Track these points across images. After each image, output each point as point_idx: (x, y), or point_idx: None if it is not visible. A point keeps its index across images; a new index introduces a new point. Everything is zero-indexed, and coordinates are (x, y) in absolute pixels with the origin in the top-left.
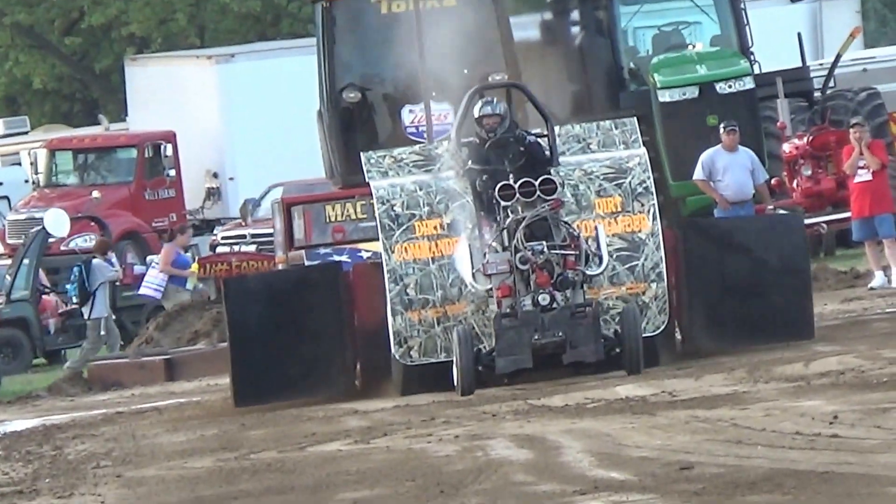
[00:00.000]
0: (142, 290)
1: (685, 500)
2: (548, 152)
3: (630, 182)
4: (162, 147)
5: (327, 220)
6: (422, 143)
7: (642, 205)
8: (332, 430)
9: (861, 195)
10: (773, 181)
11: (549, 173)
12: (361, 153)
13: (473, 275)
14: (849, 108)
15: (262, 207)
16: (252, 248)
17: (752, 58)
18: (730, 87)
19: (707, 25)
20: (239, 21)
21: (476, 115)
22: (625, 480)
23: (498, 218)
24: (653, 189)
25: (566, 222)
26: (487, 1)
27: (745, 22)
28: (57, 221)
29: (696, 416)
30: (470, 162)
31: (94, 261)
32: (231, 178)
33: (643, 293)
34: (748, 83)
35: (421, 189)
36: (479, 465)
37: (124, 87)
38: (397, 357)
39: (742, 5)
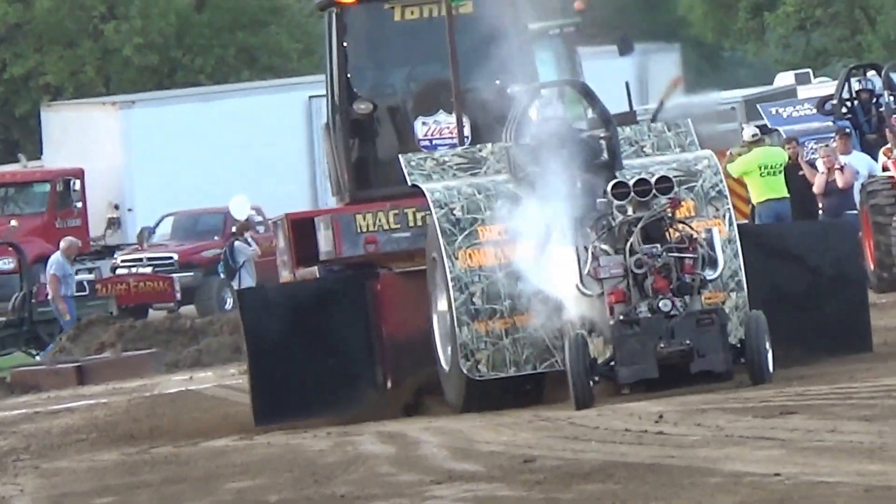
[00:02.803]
0: None
1: (528, 489)
2: (605, 155)
3: (702, 185)
4: (71, 182)
5: (358, 230)
6: (406, 158)
7: (717, 209)
8: (221, 427)
9: None
10: None
11: (616, 176)
12: (400, 155)
13: (581, 279)
14: None
15: (156, 234)
16: (148, 269)
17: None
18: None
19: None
20: (139, 72)
21: (534, 118)
22: (475, 471)
23: (610, 219)
24: (726, 192)
25: (683, 222)
26: (506, 9)
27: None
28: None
29: (539, 416)
30: (525, 164)
31: (236, 243)
32: (130, 209)
33: (723, 302)
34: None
35: (479, 192)
36: (348, 458)
37: (40, 130)
38: (464, 371)
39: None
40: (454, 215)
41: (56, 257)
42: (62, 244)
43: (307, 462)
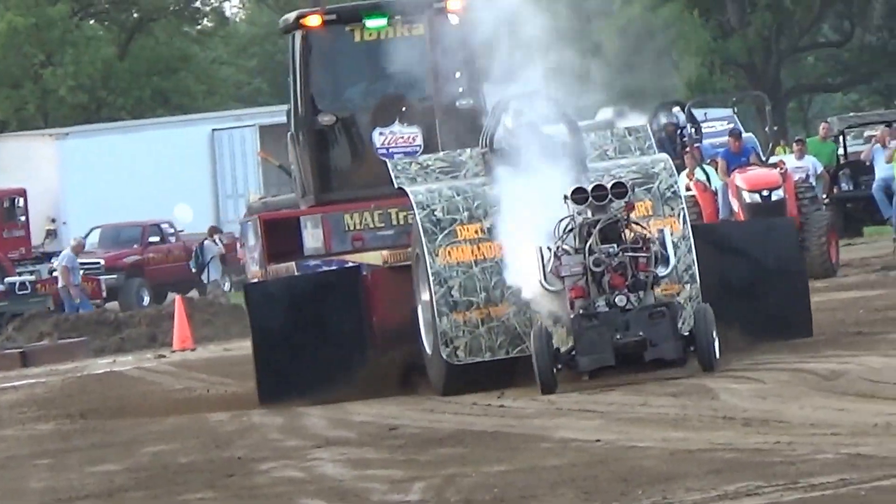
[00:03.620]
0: None
1: (391, 452)
2: (572, 159)
3: (658, 186)
4: (16, 200)
5: (346, 228)
6: (393, 162)
7: (672, 208)
8: (140, 402)
9: None
10: None
11: (579, 180)
12: (388, 161)
13: (545, 276)
14: None
15: (86, 243)
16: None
17: None
18: None
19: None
20: (72, 109)
21: (508, 126)
22: (349, 437)
23: (570, 220)
24: (681, 193)
25: (638, 223)
26: (453, 31)
27: None
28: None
29: (404, 391)
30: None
31: (206, 242)
32: (64, 222)
33: (678, 294)
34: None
35: (458, 195)
36: (244, 427)
37: None
38: (444, 357)
39: None
40: (435, 216)
41: (66, 252)
42: (72, 242)
43: (210, 430)
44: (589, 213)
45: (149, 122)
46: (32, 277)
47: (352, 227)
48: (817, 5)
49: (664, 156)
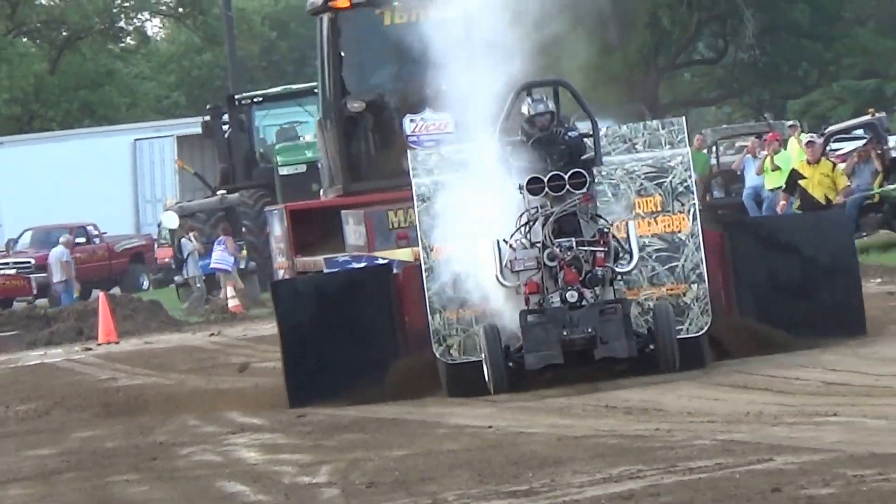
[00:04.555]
0: (215, 265)
1: (300, 438)
2: (591, 151)
3: (671, 181)
4: None
5: (391, 226)
6: (413, 153)
7: (682, 204)
8: (68, 390)
9: None
10: None
11: (591, 171)
12: (409, 151)
13: (501, 271)
14: None
15: (18, 244)
16: (12, 271)
17: None
18: None
19: (311, 124)
20: (5, 120)
21: (528, 114)
22: (261, 424)
23: (527, 213)
24: (694, 189)
25: (598, 216)
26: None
27: None
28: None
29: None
30: (512, 160)
31: (183, 240)
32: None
33: (684, 294)
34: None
35: (463, 187)
36: (165, 414)
37: None
38: (438, 355)
39: None
40: (434, 209)
41: (61, 249)
42: (62, 240)
43: (134, 417)
44: (549, 205)
45: (76, 132)
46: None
47: (396, 225)
48: (693, 25)
49: (685, 150)
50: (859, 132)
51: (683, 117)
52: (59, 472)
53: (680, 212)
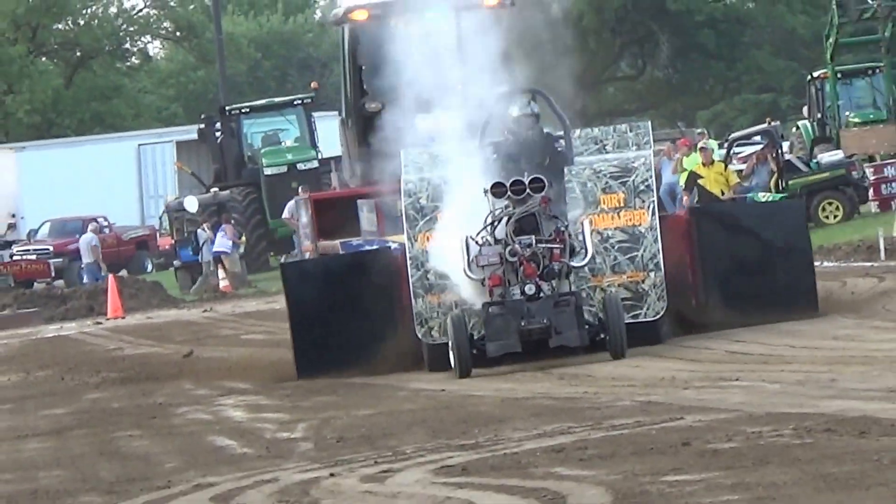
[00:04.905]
0: (217, 249)
1: (281, 399)
2: (560, 151)
3: (634, 180)
4: None
5: (399, 213)
6: (406, 152)
7: (643, 201)
8: (80, 358)
9: None
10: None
11: (562, 171)
12: (402, 150)
13: (468, 265)
14: None
15: (38, 233)
16: (34, 256)
17: (317, 150)
18: (304, 166)
19: (292, 131)
20: (28, 128)
21: (514, 115)
22: (246, 388)
23: (492, 213)
24: (653, 187)
25: (555, 217)
26: (492, 20)
27: (314, 129)
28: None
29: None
30: (494, 160)
31: (198, 230)
32: (22, 217)
33: (643, 281)
34: (315, 164)
35: (446, 183)
36: (163, 379)
37: None
38: (419, 336)
39: (312, 120)
40: (420, 203)
41: (91, 235)
42: (91, 227)
43: (138, 382)
44: (512, 207)
45: (89, 138)
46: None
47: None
48: (616, 47)
49: (647, 152)
50: (758, 138)
51: (649, 121)
52: (71, 428)
53: (640, 207)
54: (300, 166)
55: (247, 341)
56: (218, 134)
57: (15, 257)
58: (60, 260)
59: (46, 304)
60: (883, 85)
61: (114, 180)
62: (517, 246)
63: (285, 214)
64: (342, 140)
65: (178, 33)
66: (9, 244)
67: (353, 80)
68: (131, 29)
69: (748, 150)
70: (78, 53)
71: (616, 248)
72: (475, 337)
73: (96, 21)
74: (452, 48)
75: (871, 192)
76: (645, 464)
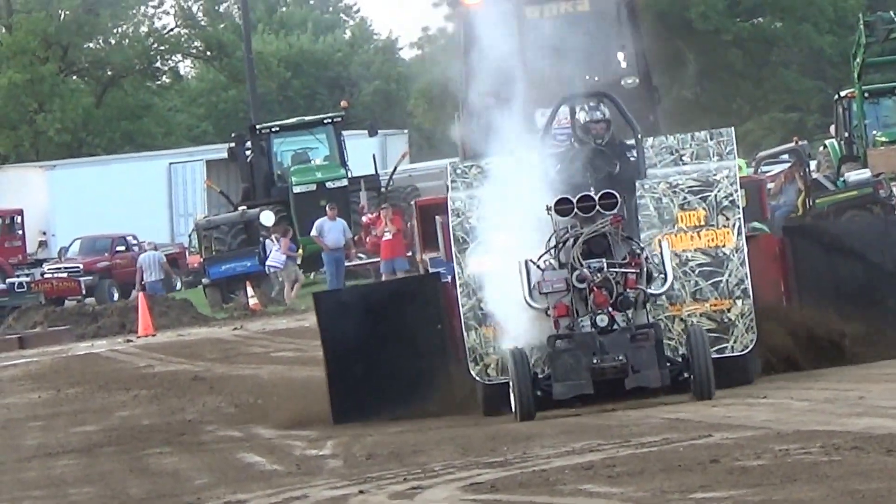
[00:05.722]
0: (270, 263)
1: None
2: (631, 162)
3: (716, 195)
4: (14, 217)
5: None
6: (453, 165)
7: (727, 219)
8: (111, 376)
9: (386, 247)
10: (355, 238)
11: (634, 185)
12: (448, 163)
13: (530, 293)
14: (399, 197)
15: (69, 251)
16: (64, 274)
17: (347, 168)
18: (333, 184)
19: (321, 149)
20: (58, 146)
21: (583, 121)
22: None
23: (555, 234)
24: (739, 203)
25: (630, 238)
26: (621, 8)
27: (343, 148)
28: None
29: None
30: (557, 171)
31: (266, 241)
32: (53, 235)
33: (728, 310)
34: (344, 182)
35: (499, 201)
36: (193, 397)
37: None
38: (474, 375)
39: (342, 138)
40: (469, 223)
41: (153, 252)
42: (150, 245)
43: (169, 398)
44: (578, 226)
45: (119, 157)
46: (28, 278)
47: None
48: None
49: (732, 163)
50: (785, 157)
51: (732, 127)
52: (101, 445)
53: (724, 226)
54: (329, 185)
55: (276, 358)
56: (248, 152)
57: (46, 275)
58: (91, 278)
59: (77, 321)
60: None
61: (144, 198)
62: (586, 271)
63: (313, 233)
64: (457, 133)
65: (208, 52)
66: (40, 262)
67: (467, 71)
68: (162, 48)
69: (776, 168)
70: (109, 72)
71: (697, 272)
72: (539, 376)
73: (127, 40)
74: (584, 32)
75: None
76: (673, 481)
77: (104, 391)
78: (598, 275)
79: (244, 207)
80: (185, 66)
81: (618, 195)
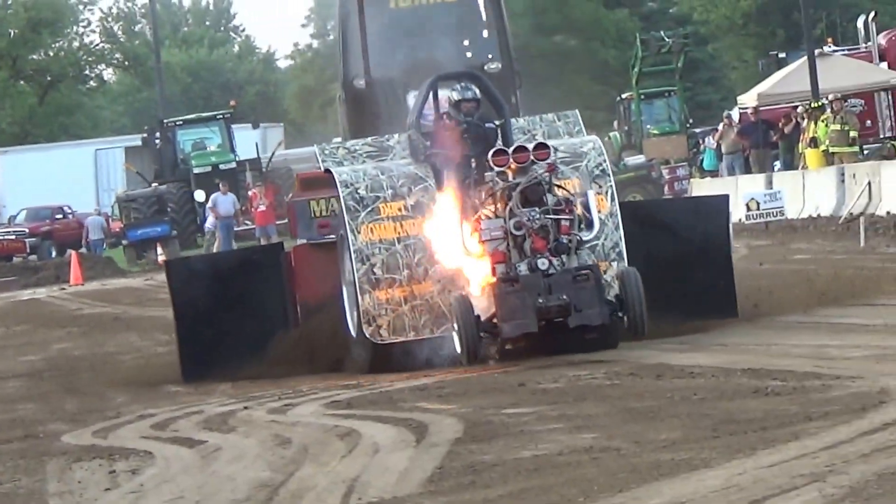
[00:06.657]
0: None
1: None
2: (500, 140)
3: (587, 165)
4: None
5: (312, 215)
6: (321, 147)
7: (600, 186)
8: (50, 316)
9: (260, 216)
10: (242, 208)
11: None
12: (315, 145)
13: (464, 241)
14: (276, 176)
15: (17, 218)
16: (13, 236)
17: (235, 153)
18: (225, 166)
19: (215, 139)
20: (9, 136)
21: (455, 100)
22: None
23: (491, 184)
24: (609, 171)
25: (561, 186)
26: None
27: (233, 137)
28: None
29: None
30: (430, 146)
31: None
32: (4, 206)
33: (605, 272)
34: (233, 165)
35: (383, 173)
36: (115, 331)
37: None
38: (367, 335)
39: (231, 130)
40: (358, 194)
41: (97, 217)
42: (96, 212)
43: (95, 334)
44: (510, 177)
45: (57, 144)
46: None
47: (317, 214)
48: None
49: (594, 137)
50: None
51: (577, 110)
52: (42, 371)
53: (598, 193)
54: (222, 167)
55: None
56: (157, 141)
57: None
58: (34, 240)
59: (22, 273)
60: (676, 104)
61: (76, 177)
62: (524, 218)
63: (209, 204)
64: (340, 117)
65: (126, 62)
66: None
67: (345, 57)
68: (90, 59)
69: None
70: (48, 78)
71: None
72: (481, 319)
73: (63, 53)
74: (452, 20)
75: (665, 187)
76: (490, 399)
77: (44, 328)
78: (536, 222)
79: (156, 184)
80: (108, 74)
81: (550, 146)
